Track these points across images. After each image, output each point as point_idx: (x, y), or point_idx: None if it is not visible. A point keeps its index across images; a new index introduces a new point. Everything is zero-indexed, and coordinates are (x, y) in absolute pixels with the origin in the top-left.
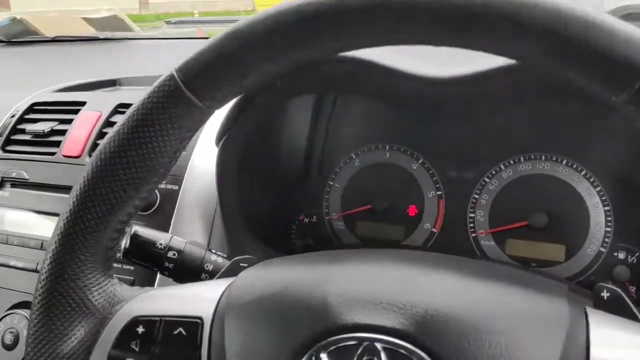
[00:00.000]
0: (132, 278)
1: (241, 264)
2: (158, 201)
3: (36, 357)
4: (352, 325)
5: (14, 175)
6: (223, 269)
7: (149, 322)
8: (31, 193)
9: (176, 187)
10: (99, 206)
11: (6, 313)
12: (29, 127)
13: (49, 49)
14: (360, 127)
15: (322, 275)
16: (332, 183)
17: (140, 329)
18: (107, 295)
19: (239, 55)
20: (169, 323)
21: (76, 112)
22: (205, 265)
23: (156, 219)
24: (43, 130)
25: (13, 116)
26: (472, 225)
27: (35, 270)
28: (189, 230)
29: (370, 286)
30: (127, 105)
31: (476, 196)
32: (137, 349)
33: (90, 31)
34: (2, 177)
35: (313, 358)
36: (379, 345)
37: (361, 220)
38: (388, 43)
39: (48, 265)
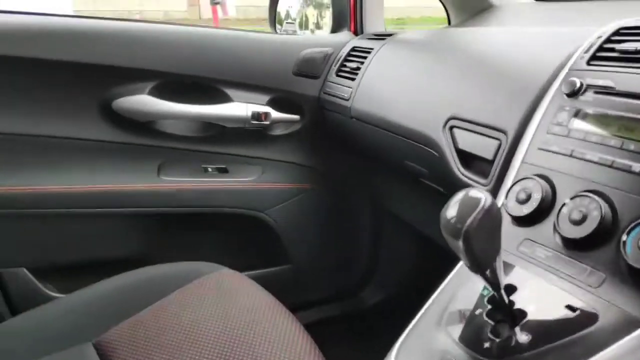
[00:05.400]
0: None
1: None
2: None
3: None
4: None
5: (600, 83)
6: None
7: None
8: (615, 99)
9: None
10: None
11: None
12: (617, 46)
13: None
14: None
15: None
16: None
17: None
18: None
19: None
20: None
21: None
22: None
23: None
24: (636, 48)
25: (599, 37)
26: None
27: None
28: None
29: None
30: None
31: None
32: None
33: None
34: (587, 85)
35: None
36: None
37: None
38: None
39: None
